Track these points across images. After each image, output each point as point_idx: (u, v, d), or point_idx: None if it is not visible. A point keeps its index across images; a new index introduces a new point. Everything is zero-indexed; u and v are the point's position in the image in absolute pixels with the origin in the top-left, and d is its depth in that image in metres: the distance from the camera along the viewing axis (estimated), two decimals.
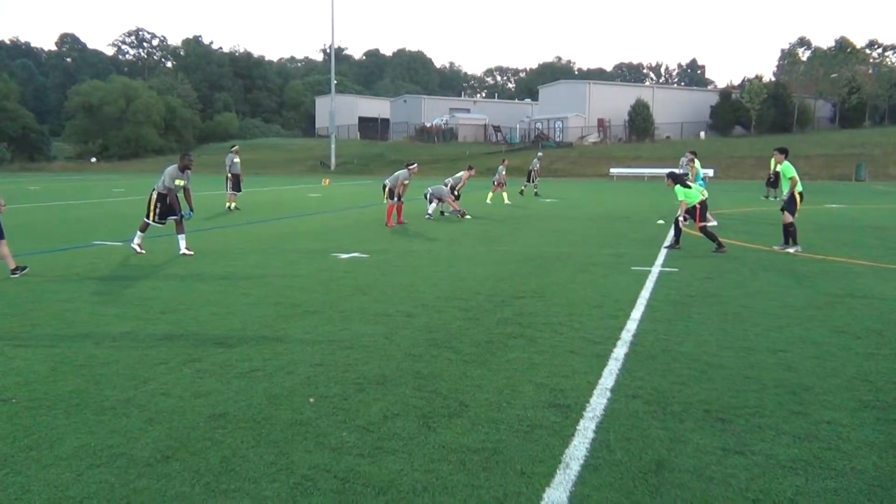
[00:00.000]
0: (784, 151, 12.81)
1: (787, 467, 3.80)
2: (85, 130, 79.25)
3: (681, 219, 12.46)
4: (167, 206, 11.63)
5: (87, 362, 5.59)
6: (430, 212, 18.42)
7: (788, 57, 79.84)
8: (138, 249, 11.58)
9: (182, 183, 11.68)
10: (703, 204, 12.45)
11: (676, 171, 14.76)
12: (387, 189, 16.90)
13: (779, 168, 12.79)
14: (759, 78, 71.71)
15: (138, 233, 11.75)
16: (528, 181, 28.98)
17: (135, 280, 9.43)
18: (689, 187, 12.54)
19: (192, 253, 11.47)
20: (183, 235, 11.68)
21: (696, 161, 19.14)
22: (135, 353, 5.86)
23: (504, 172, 24.59)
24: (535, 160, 29.95)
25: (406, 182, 17.00)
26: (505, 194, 24.44)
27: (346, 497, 3.44)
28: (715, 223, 15.74)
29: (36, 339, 6.32)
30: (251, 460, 3.84)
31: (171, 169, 11.66)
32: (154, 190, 11.68)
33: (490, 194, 24.49)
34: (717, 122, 69.28)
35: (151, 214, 11.62)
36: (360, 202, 25.49)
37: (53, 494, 3.44)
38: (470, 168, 21.18)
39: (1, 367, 5.43)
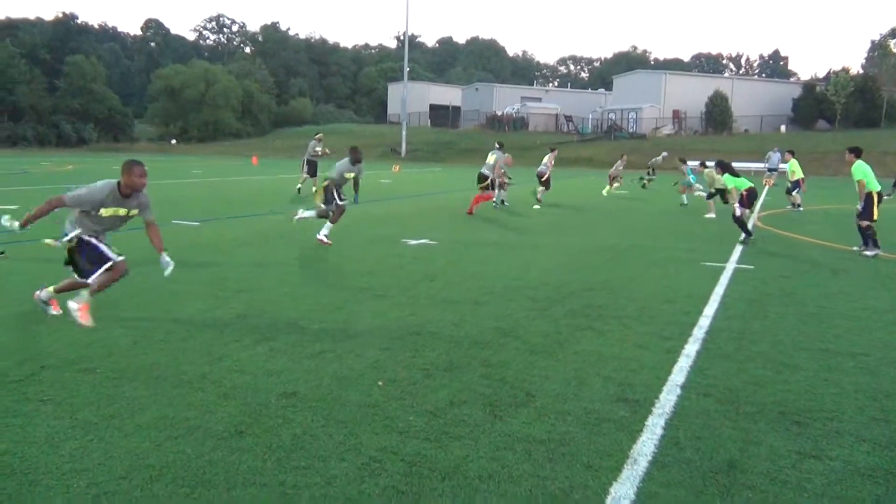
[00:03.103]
0: (855, 151, 11.62)
1: (866, 475, 3.67)
2: (166, 113, 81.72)
3: (737, 213, 12.59)
4: (331, 195, 11.51)
5: (165, 337, 5.81)
6: (495, 200, 18.35)
7: (879, 49, 76.21)
8: (325, 241, 11.22)
9: (352, 175, 11.83)
10: (749, 191, 12.69)
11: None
12: (488, 178, 17.02)
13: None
14: (846, 70, 68.64)
15: (328, 224, 11.41)
16: (650, 174, 28.64)
17: (211, 260, 9.71)
18: (738, 176, 12.90)
19: (329, 242, 11.16)
20: (330, 226, 11.39)
21: (794, 161, 19.21)
22: (211, 331, 6.05)
23: (621, 167, 24.54)
24: (660, 157, 30.27)
25: (503, 170, 17.43)
26: (608, 187, 24.18)
27: (412, 480, 3.48)
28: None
29: (119, 312, 6.58)
30: (321, 439, 3.93)
31: (343, 163, 11.70)
32: (327, 180, 11.60)
33: (607, 188, 24.24)
34: (799, 116, 66.65)
35: (332, 200, 11.37)
36: (429, 189, 25.59)
37: (134, 462, 3.59)
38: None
39: (86, 339, 5.69)
